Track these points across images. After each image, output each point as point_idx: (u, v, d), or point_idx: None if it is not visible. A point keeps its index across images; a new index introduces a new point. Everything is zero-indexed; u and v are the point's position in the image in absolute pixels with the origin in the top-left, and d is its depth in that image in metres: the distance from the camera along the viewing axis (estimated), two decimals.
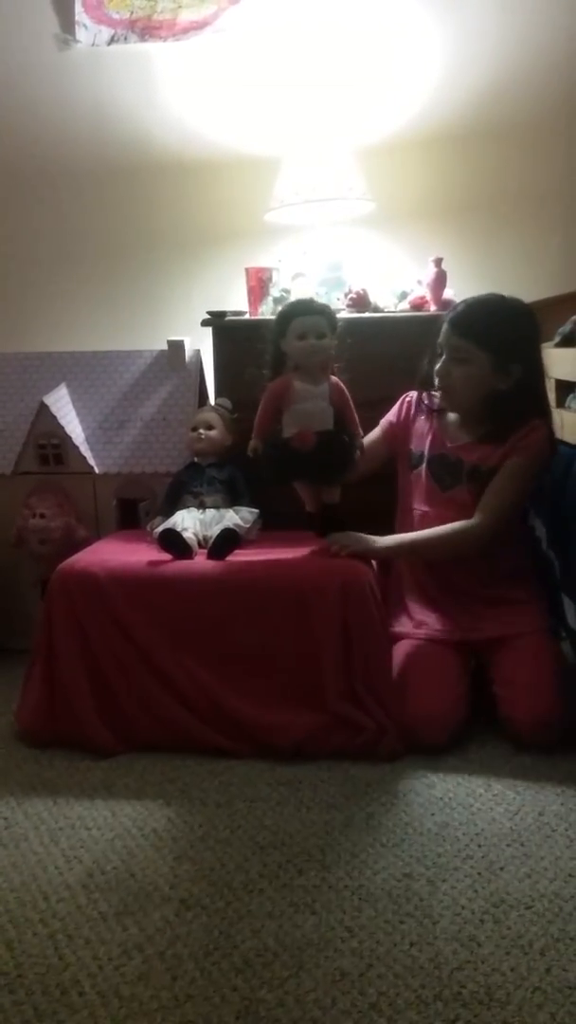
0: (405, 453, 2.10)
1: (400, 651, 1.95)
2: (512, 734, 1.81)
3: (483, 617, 1.97)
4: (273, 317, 2.27)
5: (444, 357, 1.93)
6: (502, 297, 1.91)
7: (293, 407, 1.91)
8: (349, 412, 1.95)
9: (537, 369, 1.92)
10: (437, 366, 1.95)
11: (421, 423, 2.07)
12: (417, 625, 2.01)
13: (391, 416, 2.13)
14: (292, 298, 2.34)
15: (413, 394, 2.10)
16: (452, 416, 2.02)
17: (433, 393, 2.03)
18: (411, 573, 2.09)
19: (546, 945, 1.22)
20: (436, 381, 1.96)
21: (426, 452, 2.03)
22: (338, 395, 1.93)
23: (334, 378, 1.95)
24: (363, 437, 2.01)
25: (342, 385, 1.95)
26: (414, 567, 2.08)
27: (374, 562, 1.98)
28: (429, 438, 2.04)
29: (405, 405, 2.11)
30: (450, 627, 1.98)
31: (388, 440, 2.13)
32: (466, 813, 1.57)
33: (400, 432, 2.11)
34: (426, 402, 2.06)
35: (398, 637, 2.00)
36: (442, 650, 1.94)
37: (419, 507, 2.04)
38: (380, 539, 1.95)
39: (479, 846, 1.46)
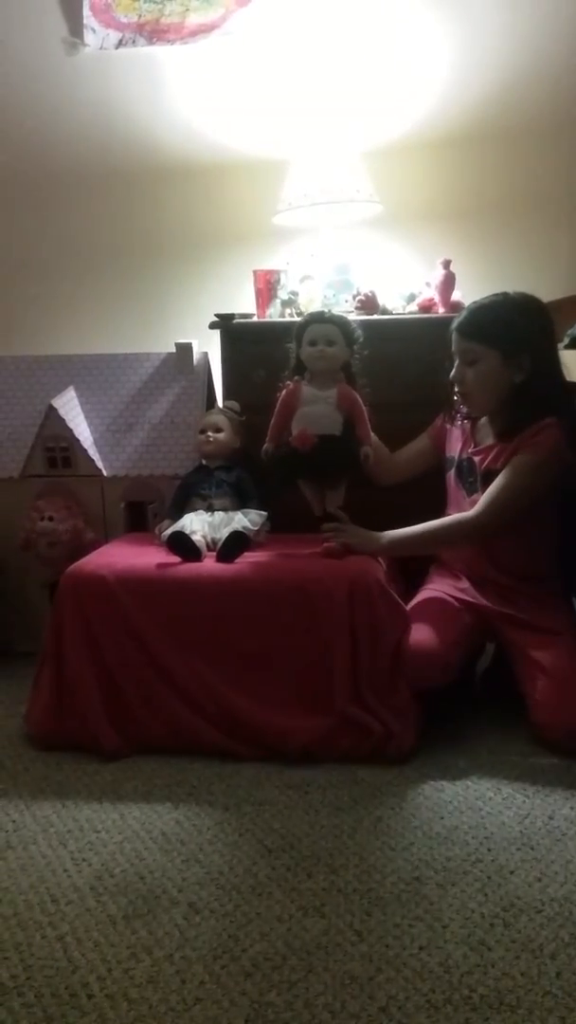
0: (444, 457, 2.13)
1: (416, 600, 1.99)
2: (546, 741, 1.79)
3: (515, 602, 1.96)
4: (281, 320, 2.32)
5: (457, 363, 1.96)
6: (505, 295, 1.93)
7: (300, 409, 1.98)
8: (359, 420, 2.00)
9: (549, 359, 1.92)
10: (452, 374, 1.97)
11: (458, 427, 2.09)
12: (445, 585, 2.03)
13: (437, 420, 2.16)
14: (300, 300, 2.36)
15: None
16: (483, 419, 2.03)
17: (460, 406, 2.04)
18: (453, 559, 2.10)
19: (556, 949, 1.21)
20: (455, 388, 1.98)
21: (456, 456, 2.05)
22: (348, 403, 1.99)
23: (345, 386, 2.00)
24: (373, 445, 2.04)
25: (354, 394, 2.00)
26: (448, 563, 2.09)
27: (383, 565, 1.97)
28: (461, 442, 2.06)
29: (444, 412, 2.13)
30: (480, 594, 1.98)
31: (433, 441, 2.16)
32: (475, 817, 1.56)
33: (441, 435, 2.14)
34: (459, 410, 2.06)
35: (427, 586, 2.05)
36: (455, 604, 1.96)
37: (450, 511, 2.06)
38: (380, 535, 1.96)
39: (488, 850, 1.46)
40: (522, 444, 1.88)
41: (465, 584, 2.02)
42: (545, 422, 1.87)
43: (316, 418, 1.96)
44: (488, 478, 1.93)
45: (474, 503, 1.96)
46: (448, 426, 2.11)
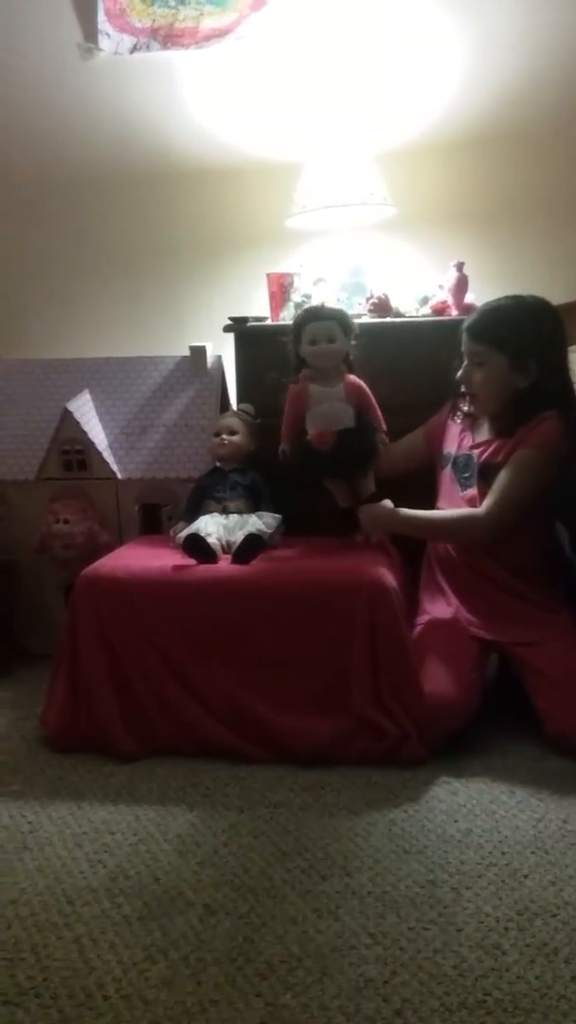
0: (440, 454, 2.13)
1: (419, 635, 1.96)
2: (562, 748, 1.77)
3: (511, 615, 1.96)
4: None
5: (465, 363, 1.97)
6: (518, 298, 1.95)
7: (312, 410, 2.00)
8: (370, 408, 2.03)
9: (556, 364, 1.93)
10: (459, 373, 1.98)
11: (457, 425, 2.10)
12: (441, 613, 2.01)
13: (434, 417, 2.17)
14: (313, 303, 2.36)
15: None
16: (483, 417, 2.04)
17: (464, 400, 2.06)
18: (440, 563, 2.08)
19: (571, 953, 1.21)
20: (463, 388, 2.00)
21: (453, 452, 2.06)
22: (356, 393, 2.02)
23: (351, 377, 2.02)
24: (387, 432, 2.07)
25: (361, 383, 2.02)
26: (443, 557, 2.07)
27: (396, 568, 1.97)
28: (459, 439, 2.06)
29: (447, 408, 2.14)
30: (476, 619, 1.97)
31: (428, 439, 2.17)
32: (489, 820, 1.56)
33: (437, 432, 2.14)
34: (462, 408, 2.07)
35: (419, 623, 2.02)
36: (461, 637, 1.94)
37: (441, 506, 2.06)
38: (393, 509, 1.97)
39: (503, 853, 1.46)
40: (523, 438, 1.89)
41: (455, 602, 2.01)
42: (544, 416, 1.89)
43: (330, 415, 1.98)
44: (486, 472, 1.93)
45: (467, 499, 1.97)
46: (449, 421, 2.11)
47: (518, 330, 1.90)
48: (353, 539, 2.04)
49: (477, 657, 1.91)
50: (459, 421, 2.09)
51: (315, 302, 2.36)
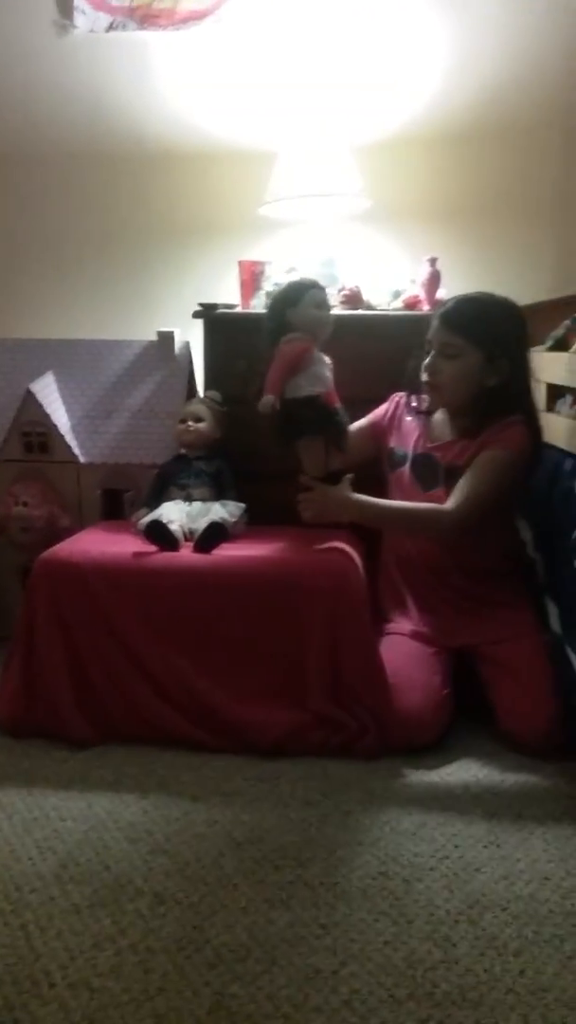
0: (388, 452, 2.10)
1: (388, 648, 1.92)
2: (515, 745, 1.78)
3: (475, 618, 1.96)
4: (265, 311, 2.27)
5: (433, 353, 1.93)
6: (492, 295, 1.92)
7: (311, 368, 1.91)
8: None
9: (524, 367, 1.92)
10: (425, 362, 1.95)
11: (408, 422, 2.07)
12: (406, 623, 2.00)
13: (378, 411, 2.14)
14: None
15: (403, 394, 2.10)
16: (439, 416, 2.02)
17: (421, 396, 2.03)
18: (400, 567, 2.08)
19: (520, 947, 1.21)
20: (424, 377, 1.96)
21: (410, 452, 2.04)
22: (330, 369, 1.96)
23: None
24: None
25: None
26: (403, 561, 2.07)
27: (359, 562, 1.96)
28: (414, 437, 2.04)
29: (393, 404, 2.12)
30: (441, 628, 1.97)
31: (373, 433, 2.12)
32: (443, 814, 1.56)
33: (385, 429, 2.11)
34: (414, 404, 2.06)
35: (386, 632, 2.00)
36: (429, 650, 1.93)
37: None
38: (354, 496, 1.90)
39: (456, 847, 1.46)
40: (489, 440, 1.88)
41: (415, 615, 2.01)
42: (511, 419, 1.88)
43: (325, 379, 1.92)
44: (451, 474, 1.91)
45: (431, 498, 1.94)
46: (401, 416, 2.09)
47: (496, 328, 1.87)
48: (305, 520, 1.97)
49: (446, 668, 1.90)
50: (411, 417, 2.07)
51: None
